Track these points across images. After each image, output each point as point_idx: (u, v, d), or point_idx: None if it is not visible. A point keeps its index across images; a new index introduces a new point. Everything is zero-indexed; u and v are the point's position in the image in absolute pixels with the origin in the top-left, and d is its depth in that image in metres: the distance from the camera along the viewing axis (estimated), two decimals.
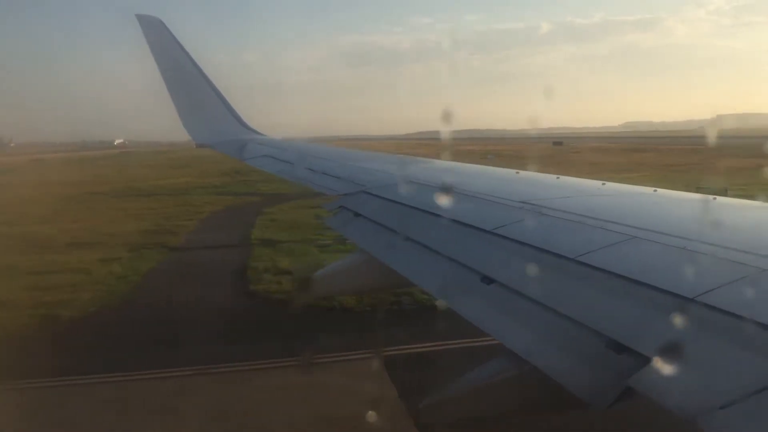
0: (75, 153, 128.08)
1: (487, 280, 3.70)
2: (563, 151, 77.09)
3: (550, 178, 6.92)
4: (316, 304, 13.06)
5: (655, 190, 5.68)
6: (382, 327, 11.68)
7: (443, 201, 5.60)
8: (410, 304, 12.86)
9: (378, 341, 10.60)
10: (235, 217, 27.92)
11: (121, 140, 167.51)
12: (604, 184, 6.07)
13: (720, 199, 5.14)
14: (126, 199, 35.91)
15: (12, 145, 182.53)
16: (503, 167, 9.32)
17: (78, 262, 17.85)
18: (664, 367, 2.35)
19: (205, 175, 52.84)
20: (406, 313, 12.40)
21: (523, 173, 7.46)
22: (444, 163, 9.50)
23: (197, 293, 14.07)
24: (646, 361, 2.43)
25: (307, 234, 22.02)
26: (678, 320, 2.58)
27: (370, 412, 7.22)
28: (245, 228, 23.82)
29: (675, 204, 5.34)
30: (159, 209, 30.77)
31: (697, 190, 13.10)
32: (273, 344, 10.74)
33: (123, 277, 16.07)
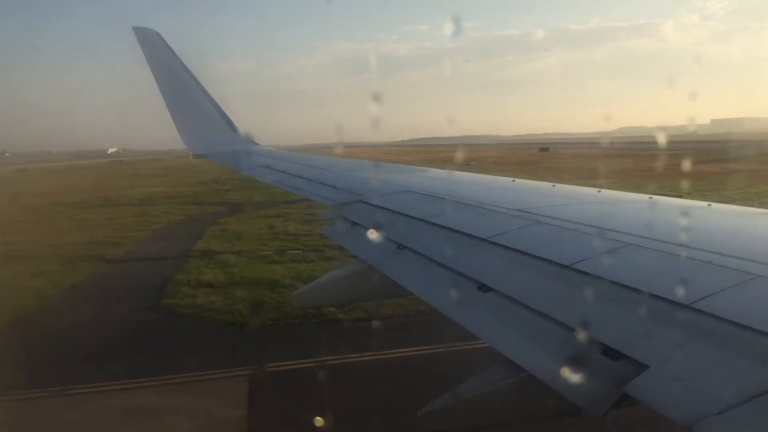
0: (65, 163, 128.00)
1: (484, 288, 3.71)
2: (545, 156, 77.19)
3: (546, 185, 6.98)
4: (216, 318, 12.81)
5: (650, 198, 5.68)
6: (273, 342, 11.36)
7: (440, 210, 5.67)
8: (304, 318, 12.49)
9: (261, 357, 10.31)
10: (188, 227, 27.60)
11: (114, 149, 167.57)
12: (599, 191, 6.11)
13: (715, 206, 5.15)
14: (88, 210, 35.62)
15: (7, 155, 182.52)
16: (485, 173, 9.11)
17: (2, 276, 17.52)
18: (660, 374, 2.36)
19: (180, 185, 52.70)
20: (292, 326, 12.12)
21: (519, 181, 7.46)
22: (440, 172, 9.50)
23: (102, 308, 13.80)
24: (643, 368, 2.44)
25: (250, 245, 21.75)
26: (674, 327, 2.62)
27: None
28: (192, 239, 23.52)
29: (670, 211, 5.30)
30: (117, 220, 30.48)
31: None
32: (138, 362, 10.34)
33: (40, 291, 15.74)
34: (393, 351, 10.69)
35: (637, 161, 60.40)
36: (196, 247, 21.67)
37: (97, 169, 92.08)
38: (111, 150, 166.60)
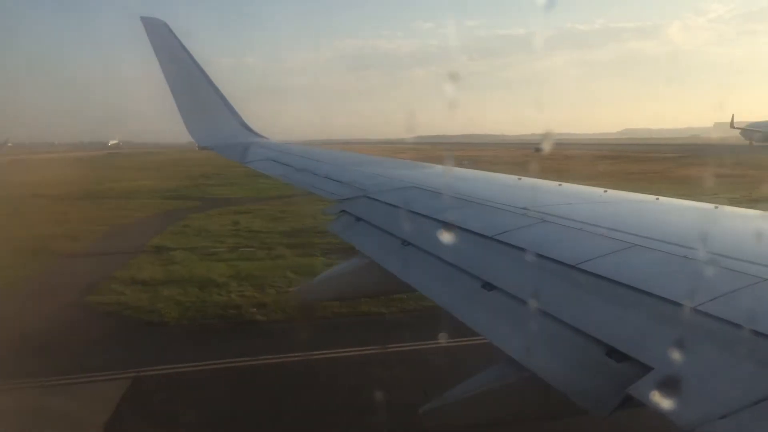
0: (65, 154, 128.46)
1: (488, 286, 3.69)
2: (536, 157, 76.62)
3: (551, 184, 6.90)
4: (133, 316, 12.66)
5: (657, 198, 5.66)
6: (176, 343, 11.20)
7: (444, 206, 5.66)
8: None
9: (158, 359, 10.15)
10: (154, 222, 27.49)
11: (115, 141, 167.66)
12: (605, 191, 6.06)
13: (721, 207, 5.13)
14: (64, 202, 35.58)
15: (9, 145, 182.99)
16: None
17: None
18: (665, 376, 2.36)
19: (168, 179, 52.66)
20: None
21: (524, 179, 7.42)
22: (445, 168, 9.56)
23: (21, 305, 13.60)
24: (647, 369, 2.43)
25: (205, 242, 21.66)
26: (679, 329, 2.61)
27: None
28: (151, 234, 23.44)
29: (676, 212, 5.33)
30: (88, 213, 30.43)
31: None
32: (27, 362, 9.88)
33: None
34: (292, 355, 10.52)
35: (624, 164, 60.19)
36: (150, 243, 21.57)
37: (92, 161, 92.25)
38: (112, 142, 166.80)
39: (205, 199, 36.50)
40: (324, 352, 10.60)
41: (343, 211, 6.76)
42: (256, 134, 15.45)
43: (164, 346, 11.05)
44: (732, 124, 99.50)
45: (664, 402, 2.24)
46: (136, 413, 8.30)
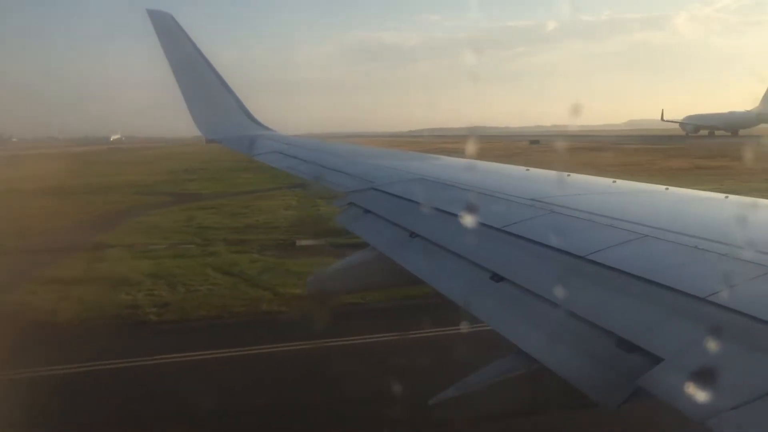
0: (66, 149, 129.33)
1: (497, 277, 3.67)
2: (532, 149, 76.05)
3: (560, 175, 6.90)
4: (28, 316, 12.53)
5: (666, 188, 5.63)
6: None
7: (452, 198, 5.63)
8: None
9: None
10: (112, 218, 27.45)
11: (117, 136, 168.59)
12: (614, 181, 6.07)
13: (732, 197, 5.06)
14: (37, 197, 35.58)
15: (14, 140, 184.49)
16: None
17: None
18: (675, 368, 2.33)
19: (152, 174, 52.80)
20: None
21: (533, 170, 7.37)
22: (454, 160, 9.40)
23: None
24: (657, 360, 2.41)
25: (150, 238, 21.62)
26: (689, 320, 2.58)
27: None
28: (100, 231, 23.44)
29: (687, 202, 5.31)
30: (54, 208, 30.40)
31: None
32: None
33: None
34: (175, 354, 10.36)
35: (617, 155, 59.42)
36: (94, 240, 21.52)
37: (88, 156, 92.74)
38: (114, 137, 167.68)
39: (176, 195, 36.48)
40: (189, 354, 10.43)
41: (351, 203, 6.72)
42: (263, 126, 15.37)
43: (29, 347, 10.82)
44: (662, 118, 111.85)
45: (673, 393, 2.22)
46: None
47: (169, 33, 13.88)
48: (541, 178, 7.04)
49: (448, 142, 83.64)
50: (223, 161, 62.60)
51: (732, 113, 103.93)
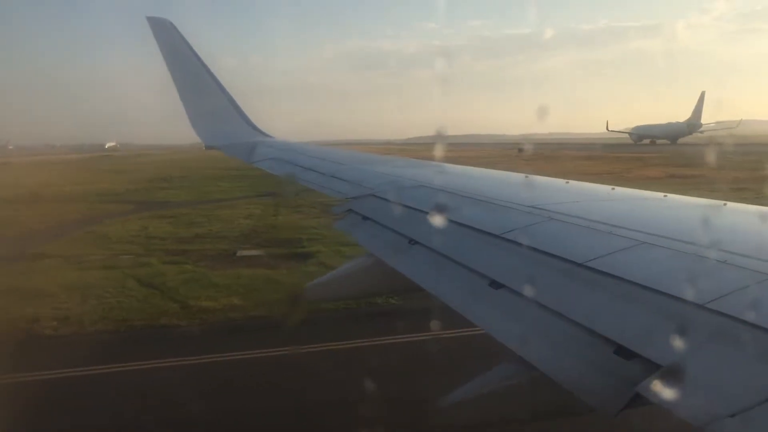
0: (59, 156, 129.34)
1: (496, 284, 3.68)
2: (516, 157, 75.90)
3: (559, 182, 6.90)
4: None
5: (665, 196, 5.61)
6: None
7: (451, 205, 5.64)
8: None
9: None
10: (66, 227, 27.16)
11: (112, 143, 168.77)
12: (613, 189, 6.07)
13: (731, 204, 5.06)
14: (3, 206, 35.46)
15: (10, 147, 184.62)
16: None
17: None
18: (674, 374, 2.33)
19: (129, 181, 52.50)
20: None
21: (532, 177, 7.38)
22: (453, 167, 9.45)
23: None
24: (656, 367, 2.41)
25: (91, 249, 21.35)
26: (688, 327, 2.57)
27: None
28: (47, 240, 23.20)
29: (684, 209, 5.33)
30: (10, 218, 30.18)
31: None
32: None
33: None
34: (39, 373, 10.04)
35: (601, 164, 59.29)
36: (35, 250, 21.18)
37: (77, 164, 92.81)
38: (109, 144, 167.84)
39: (142, 203, 36.27)
40: (63, 370, 10.11)
41: (350, 210, 6.73)
42: (262, 133, 15.27)
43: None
44: (607, 128, 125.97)
45: (673, 400, 2.21)
46: None
47: (169, 40, 13.85)
48: (539, 185, 6.96)
49: (430, 151, 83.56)
50: (210, 169, 62.63)
51: (670, 124, 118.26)
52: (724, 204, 5.01)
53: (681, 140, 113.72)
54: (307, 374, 9.95)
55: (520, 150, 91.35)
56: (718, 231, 4.04)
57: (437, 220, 5.23)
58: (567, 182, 6.75)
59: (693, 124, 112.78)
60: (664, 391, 2.30)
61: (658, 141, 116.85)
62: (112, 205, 35.48)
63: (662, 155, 75.63)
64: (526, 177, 7.43)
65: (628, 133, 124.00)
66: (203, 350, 10.94)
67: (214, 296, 14.40)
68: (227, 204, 34.67)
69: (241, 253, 20.25)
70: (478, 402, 3.44)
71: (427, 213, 5.54)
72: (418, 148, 74.61)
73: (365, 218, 6.26)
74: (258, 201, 35.75)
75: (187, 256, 19.77)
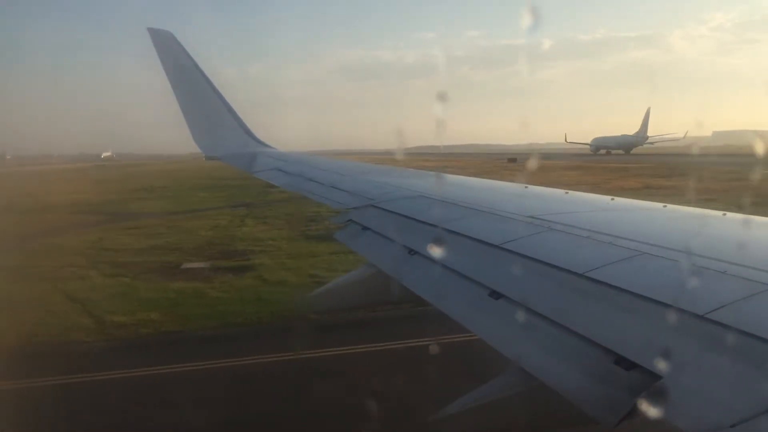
0: (54, 166, 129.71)
1: (496, 295, 3.69)
2: (504, 167, 75.73)
3: (558, 192, 6.94)
4: None
5: (664, 206, 5.64)
6: None
7: (451, 215, 5.68)
8: None
9: None
10: (28, 239, 26.84)
11: (108, 153, 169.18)
12: (612, 199, 6.09)
13: (730, 214, 5.06)
14: None
15: (8, 158, 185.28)
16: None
17: None
18: (674, 385, 2.32)
19: (112, 192, 52.56)
20: None
21: (531, 187, 7.44)
22: (453, 178, 9.50)
23: None
24: (656, 378, 2.41)
25: (40, 261, 21.16)
26: (688, 337, 2.58)
27: None
28: (1, 251, 23.01)
29: (684, 219, 5.33)
30: None
31: None
32: None
33: None
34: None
35: (583, 175, 58.99)
36: None
37: (68, 174, 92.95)
38: (105, 154, 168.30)
39: (113, 214, 36.11)
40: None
41: (350, 220, 6.79)
42: (262, 144, 15.38)
43: None
44: (566, 139, 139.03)
45: (672, 411, 2.21)
46: None
47: (170, 51, 13.94)
48: (539, 196, 7.01)
49: (429, 159, 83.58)
50: (196, 179, 62.56)
51: (624, 136, 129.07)
52: (724, 214, 5.00)
53: (634, 150, 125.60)
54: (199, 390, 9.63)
55: (510, 160, 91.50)
56: (717, 241, 4.05)
57: (436, 231, 5.28)
58: (566, 192, 6.72)
59: (641, 137, 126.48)
60: (664, 402, 2.29)
61: (613, 151, 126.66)
62: (83, 216, 35.38)
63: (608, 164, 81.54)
64: (526, 187, 7.44)
65: (589, 144, 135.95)
66: (94, 368, 10.66)
67: (133, 311, 14.16)
68: (198, 215, 34.57)
69: (186, 265, 20.04)
70: (480, 411, 3.41)
71: (426, 223, 5.59)
72: (414, 158, 74.92)
73: (365, 228, 6.30)
74: (230, 211, 35.67)
75: (130, 268, 19.55)
